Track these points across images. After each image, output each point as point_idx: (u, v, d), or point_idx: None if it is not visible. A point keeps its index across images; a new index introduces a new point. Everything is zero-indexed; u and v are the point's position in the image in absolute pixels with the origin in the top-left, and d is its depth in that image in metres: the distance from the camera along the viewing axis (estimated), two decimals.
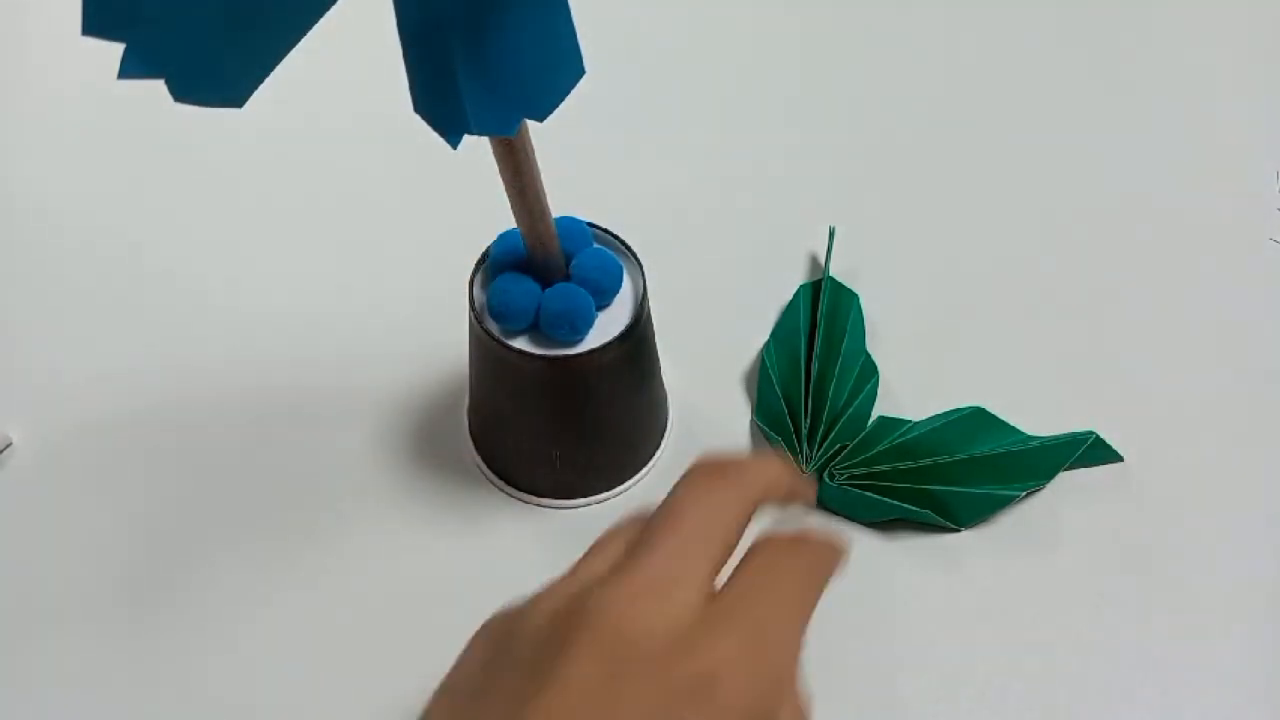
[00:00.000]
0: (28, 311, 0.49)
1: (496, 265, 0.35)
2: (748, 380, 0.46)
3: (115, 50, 0.20)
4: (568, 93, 0.24)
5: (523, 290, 0.34)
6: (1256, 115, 0.59)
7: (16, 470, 0.43)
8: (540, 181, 0.30)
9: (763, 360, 0.45)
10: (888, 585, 0.40)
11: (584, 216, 0.37)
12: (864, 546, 0.41)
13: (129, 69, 0.20)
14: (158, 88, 0.21)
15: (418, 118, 0.26)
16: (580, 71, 0.24)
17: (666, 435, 0.44)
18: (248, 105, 0.23)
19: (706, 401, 0.45)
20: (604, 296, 0.35)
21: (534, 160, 0.29)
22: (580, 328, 0.34)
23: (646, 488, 0.43)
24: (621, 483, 0.42)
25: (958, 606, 0.39)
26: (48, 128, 0.57)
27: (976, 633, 0.39)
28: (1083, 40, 0.63)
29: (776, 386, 0.44)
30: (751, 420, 0.45)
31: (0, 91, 0.59)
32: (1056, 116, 0.59)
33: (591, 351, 0.34)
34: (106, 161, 0.55)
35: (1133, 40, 0.63)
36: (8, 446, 0.43)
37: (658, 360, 0.41)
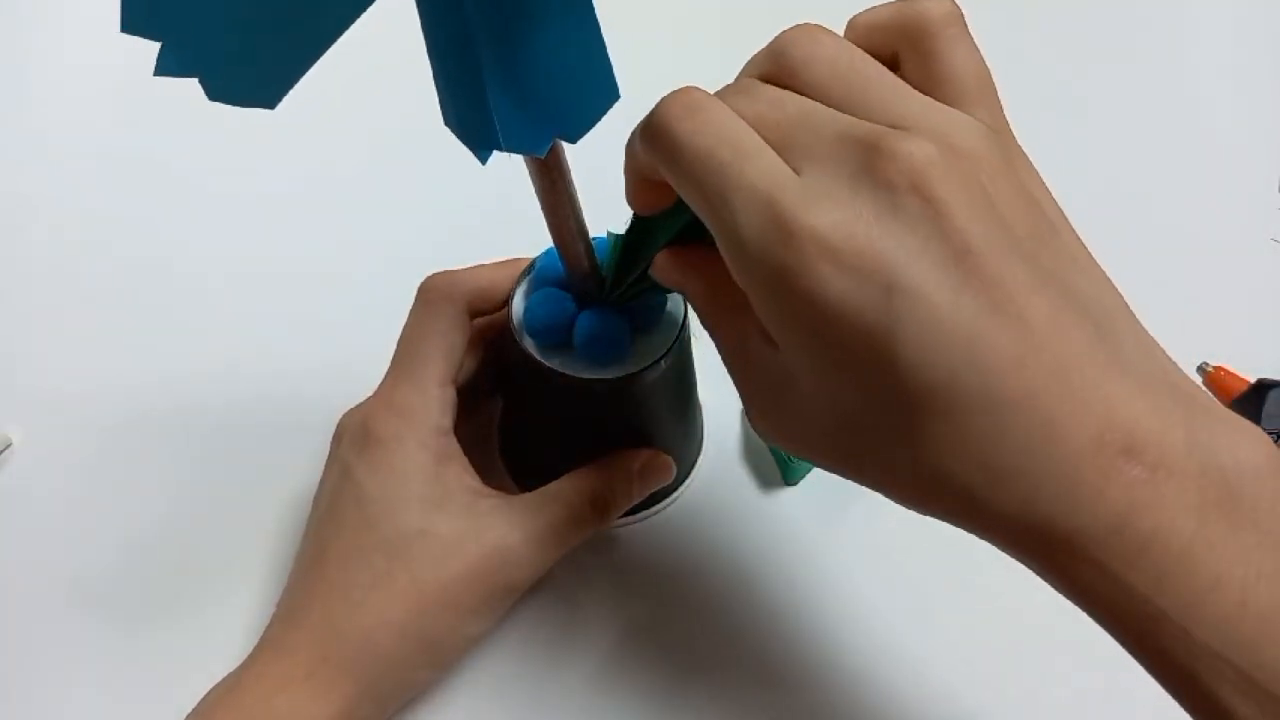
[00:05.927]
0: (28, 312, 0.48)
1: (540, 279, 0.35)
2: None
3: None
4: (601, 116, 0.24)
5: (559, 308, 0.33)
6: (1257, 115, 0.59)
7: (16, 470, 0.43)
8: (576, 202, 0.29)
9: None
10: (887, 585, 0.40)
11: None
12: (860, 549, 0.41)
13: (165, 67, 0.20)
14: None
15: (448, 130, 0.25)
16: (615, 96, 0.24)
17: (701, 453, 0.43)
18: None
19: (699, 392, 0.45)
20: (642, 322, 0.34)
21: (569, 181, 0.28)
22: (612, 353, 0.33)
23: (682, 505, 0.42)
24: (653, 505, 0.41)
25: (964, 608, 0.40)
26: (47, 129, 0.56)
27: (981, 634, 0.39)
28: (1082, 40, 0.63)
29: None
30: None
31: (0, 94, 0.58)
32: (1055, 116, 0.58)
33: (620, 379, 0.33)
34: (107, 161, 0.54)
35: (1132, 40, 0.63)
36: (8, 447, 0.43)
37: (694, 385, 0.40)
